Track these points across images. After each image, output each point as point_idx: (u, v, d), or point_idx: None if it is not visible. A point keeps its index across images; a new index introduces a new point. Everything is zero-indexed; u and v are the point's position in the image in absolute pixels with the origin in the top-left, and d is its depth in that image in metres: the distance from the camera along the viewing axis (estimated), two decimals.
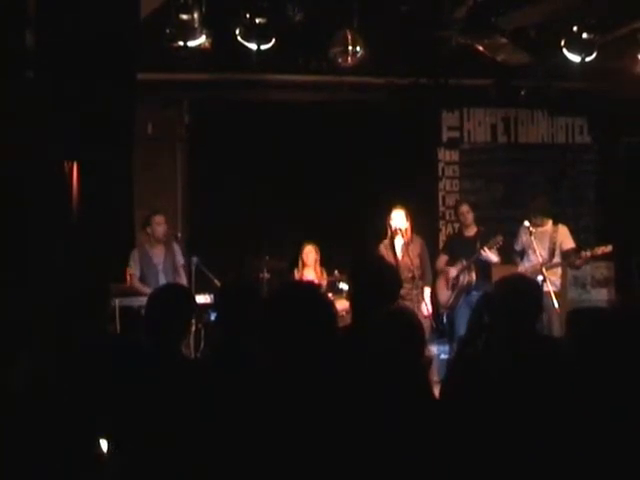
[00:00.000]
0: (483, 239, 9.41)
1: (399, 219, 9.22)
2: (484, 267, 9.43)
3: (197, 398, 3.76)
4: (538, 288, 4.56)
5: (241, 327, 4.03)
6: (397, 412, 3.37)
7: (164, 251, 9.24)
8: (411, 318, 3.72)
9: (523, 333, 4.08)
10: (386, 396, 3.42)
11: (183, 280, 9.15)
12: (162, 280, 8.89)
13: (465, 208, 9.80)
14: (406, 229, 9.19)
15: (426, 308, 9.04)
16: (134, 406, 3.92)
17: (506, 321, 4.10)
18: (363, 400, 3.31)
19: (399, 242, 9.22)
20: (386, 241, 9.32)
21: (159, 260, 9.19)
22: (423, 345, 3.66)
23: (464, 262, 9.46)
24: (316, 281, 9.83)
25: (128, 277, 9.12)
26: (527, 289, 4.31)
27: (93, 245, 8.23)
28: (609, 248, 9.20)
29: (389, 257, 8.89)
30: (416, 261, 9.12)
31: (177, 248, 9.42)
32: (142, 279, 9.08)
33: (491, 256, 9.30)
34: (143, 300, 6.08)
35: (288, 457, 3.05)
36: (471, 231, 9.72)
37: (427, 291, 9.30)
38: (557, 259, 9.40)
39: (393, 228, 9.21)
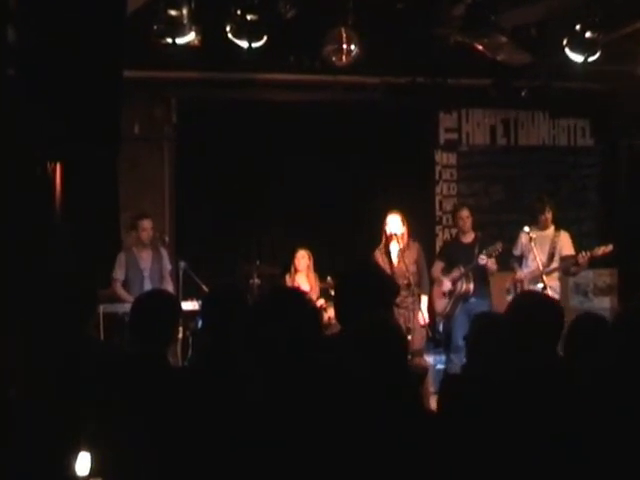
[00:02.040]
0: (481, 245, 9.39)
1: (395, 224, 9.17)
2: (482, 274, 9.42)
3: (184, 407, 3.76)
4: (561, 310, 4.43)
5: (229, 334, 4.04)
6: (376, 425, 3.36)
7: (151, 255, 9.23)
8: (385, 329, 3.66)
9: (543, 356, 4.05)
10: (366, 410, 3.41)
11: (170, 287, 9.14)
12: (148, 286, 8.89)
13: (465, 213, 9.73)
14: (402, 234, 9.13)
15: (422, 317, 8.99)
16: (118, 416, 3.92)
17: (525, 343, 4.06)
18: (343, 409, 3.32)
19: (395, 248, 9.16)
20: (381, 247, 9.27)
21: (146, 265, 9.18)
22: (400, 359, 3.61)
23: (461, 269, 9.43)
24: (308, 287, 9.85)
25: (112, 281, 9.09)
26: (551, 310, 4.27)
27: (77, 248, 8.23)
28: (610, 248, 9.16)
29: (384, 263, 8.87)
30: (412, 268, 9.06)
31: (165, 253, 9.42)
32: (127, 284, 9.07)
33: (489, 264, 9.29)
34: (128, 307, 6.08)
35: (276, 466, 3.06)
36: (469, 237, 9.69)
37: (424, 299, 9.20)
38: (555, 264, 9.42)
39: (388, 233, 9.15)
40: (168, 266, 9.40)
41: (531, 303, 4.47)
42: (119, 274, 9.09)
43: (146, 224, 9.17)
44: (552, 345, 4.18)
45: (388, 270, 8.66)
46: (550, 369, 4.03)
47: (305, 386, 3.21)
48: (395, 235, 9.08)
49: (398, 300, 8.44)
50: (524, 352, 4.05)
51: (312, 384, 3.24)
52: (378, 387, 3.43)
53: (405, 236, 9.18)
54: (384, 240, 9.24)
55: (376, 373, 3.46)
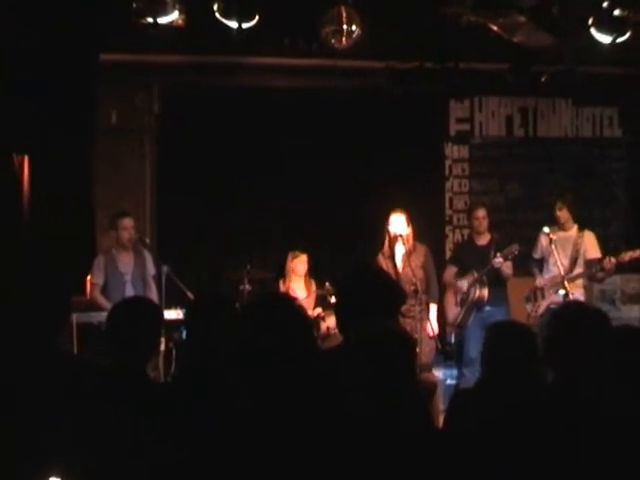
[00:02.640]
0: (498, 248, 9.34)
1: (399, 224, 9.14)
2: (498, 279, 9.36)
3: (165, 428, 3.74)
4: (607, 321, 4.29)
5: (214, 346, 4.02)
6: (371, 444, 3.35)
7: (133, 259, 9.18)
8: (391, 339, 3.64)
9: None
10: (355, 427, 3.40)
11: (154, 294, 9.09)
12: (130, 292, 8.84)
13: (481, 213, 9.67)
14: (407, 236, 9.10)
15: (431, 327, 8.93)
16: (92, 438, 3.90)
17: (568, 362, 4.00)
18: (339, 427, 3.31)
19: (400, 251, 9.14)
20: (385, 250, 9.25)
21: (127, 269, 9.12)
22: (408, 372, 3.60)
23: (475, 274, 9.39)
24: (304, 294, 9.81)
25: (88, 286, 9.05)
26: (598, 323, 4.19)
27: (47, 251, 8.20)
28: (638, 253, 9.16)
29: (388, 268, 8.81)
30: (419, 272, 9.03)
31: (148, 256, 9.36)
32: (106, 290, 9.01)
33: (504, 267, 9.25)
34: (104, 315, 6.06)
35: None
36: (484, 239, 9.66)
37: (433, 308, 9.17)
38: (579, 269, 9.39)
39: (392, 235, 9.12)
40: (152, 270, 9.34)
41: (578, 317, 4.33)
42: (98, 278, 9.03)
43: (127, 223, 9.11)
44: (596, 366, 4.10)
45: (393, 275, 8.60)
46: (574, 388, 3.98)
47: (300, 401, 3.20)
48: (400, 236, 9.05)
49: (404, 309, 8.38)
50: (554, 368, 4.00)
51: (307, 398, 3.23)
52: (382, 403, 3.42)
53: (410, 238, 9.15)
54: (387, 242, 9.21)
55: (380, 387, 3.45)
